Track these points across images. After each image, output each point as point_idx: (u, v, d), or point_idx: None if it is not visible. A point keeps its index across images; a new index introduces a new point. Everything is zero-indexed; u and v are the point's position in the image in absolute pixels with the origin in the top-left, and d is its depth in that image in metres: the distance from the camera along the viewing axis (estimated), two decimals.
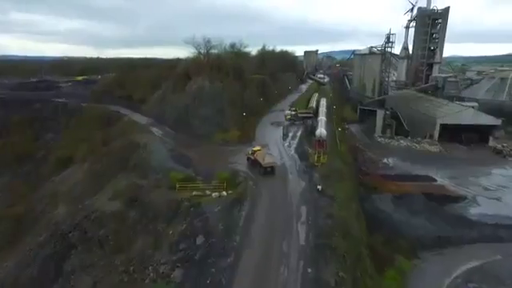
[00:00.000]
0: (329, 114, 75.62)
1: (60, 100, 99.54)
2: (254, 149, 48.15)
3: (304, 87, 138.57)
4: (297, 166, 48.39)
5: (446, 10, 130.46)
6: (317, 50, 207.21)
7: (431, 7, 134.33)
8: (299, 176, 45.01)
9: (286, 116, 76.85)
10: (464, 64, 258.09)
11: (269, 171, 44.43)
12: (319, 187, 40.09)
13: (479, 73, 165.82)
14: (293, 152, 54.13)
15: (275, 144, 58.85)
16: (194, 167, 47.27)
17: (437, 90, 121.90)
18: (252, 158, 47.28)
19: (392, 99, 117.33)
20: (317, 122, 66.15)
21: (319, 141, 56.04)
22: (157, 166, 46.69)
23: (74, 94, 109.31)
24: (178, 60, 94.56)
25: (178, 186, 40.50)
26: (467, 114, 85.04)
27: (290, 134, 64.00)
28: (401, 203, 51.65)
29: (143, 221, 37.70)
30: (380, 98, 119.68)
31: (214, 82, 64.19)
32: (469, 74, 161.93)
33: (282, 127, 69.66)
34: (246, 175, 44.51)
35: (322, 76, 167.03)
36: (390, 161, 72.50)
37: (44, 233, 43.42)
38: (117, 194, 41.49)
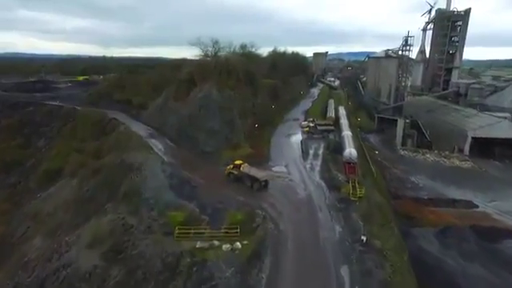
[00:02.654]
0: (352, 126, 64.60)
1: (54, 103, 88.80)
2: (236, 162, 41.66)
3: (315, 91, 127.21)
4: (326, 199, 37.58)
5: (467, 11, 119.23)
6: (326, 52, 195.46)
7: (451, 8, 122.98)
8: (332, 215, 34.26)
9: (303, 128, 66.04)
10: (472, 68, 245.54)
11: (263, 185, 39.26)
12: (364, 238, 29.31)
13: (495, 78, 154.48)
14: (318, 178, 43.27)
15: (295, 164, 48.03)
16: (198, 199, 36.55)
17: (458, 97, 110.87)
18: (235, 172, 40.93)
19: (411, 106, 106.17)
20: (341, 138, 55.36)
21: (349, 163, 45.31)
22: (151, 197, 36.00)
23: (72, 96, 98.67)
24: (184, 60, 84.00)
25: (177, 231, 29.80)
26: (502, 127, 74.24)
27: (311, 152, 53.13)
28: (448, 242, 41.00)
29: (130, 283, 27.04)
30: (397, 104, 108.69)
31: (222, 89, 53.31)
32: (483, 80, 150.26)
33: (299, 141, 58.96)
34: (265, 214, 33.67)
35: (332, 79, 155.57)
36: (419, 179, 61.68)
37: (6, 283, 33.19)
38: (98, 240, 30.90)
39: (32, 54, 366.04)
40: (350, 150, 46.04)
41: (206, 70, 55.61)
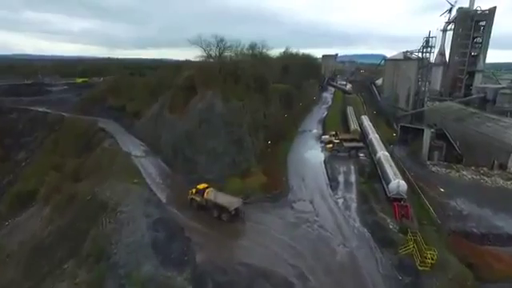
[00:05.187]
0: (384, 143, 51.56)
1: (40, 109, 76.57)
2: (200, 186, 33.36)
3: (328, 96, 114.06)
4: (379, 265, 24.90)
5: (492, 10, 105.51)
6: (336, 54, 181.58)
7: (474, 7, 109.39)
8: None
9: (324, 143, 53.26)
10: (482, 70, 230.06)
11: (233, 215, 30.79)
12: None
13: None
14: (358, 222, 30.62)
15: (322, 199, 35.40)
16: (192, 265, 23.94)
17: (485, 104, 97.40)
18: (198, 199, 32.52)
19: (433, 113, 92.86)
20: (377, 161, 42.52)
21: (397, 200, 32.67)
22: (124, 264, 23.66)
23: (63, 101, 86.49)
24: (186, 62, 71.44)
25: None
26: None
27: (340, 179, 40.36)
28: None
29: None
30: (417, 110, 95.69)
31: (228, 99, 40.70)
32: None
33: (322, 162, 46.28)
34: None
35: (343, 83, 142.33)
36: (461, 204, 48.24)
37: None
38: None
39: (38, 56, 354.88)
40: (398, 183, 33.38)
41: (208, 74, 42.88)
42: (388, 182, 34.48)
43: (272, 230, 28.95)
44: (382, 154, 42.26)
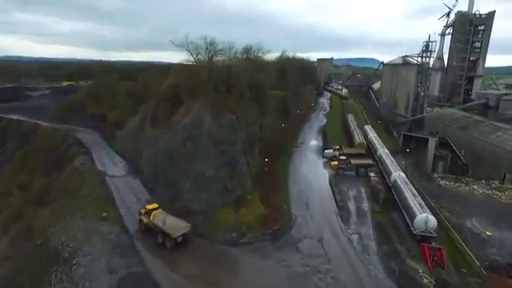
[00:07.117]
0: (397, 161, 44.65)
1: (14, 117, 68.21)
2: (149, 206, 29.48)
3: (325, 102, 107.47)
4: None
5: (491, 14, 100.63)
6: (331, 58, 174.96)
7: (473, 11, 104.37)
8: None
9: (328, 159, 46.41)
10: None
11: (179, 242, 26.26)
12: None
13: (508, 86, 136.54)
14: (381, 271, 23.77)
15: (333, 236, 28.57)
16: None
17: (487, 110, 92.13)
18: (146, 221, 28.26)
19: (436, 120, 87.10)
20: (393, 184, 35.72)
21: (424, 238, 26.10)
22: None
23: (41, 108, 77.76)
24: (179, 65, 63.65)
25: None
26: None
27: (351, 206, 33.57)
28: None
29: None
30: (417, 117, 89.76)
31: (219, 112, 33.61)
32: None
33: (327, 182, 39.42)
34: None
35: (339, 87, 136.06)
36: (477, 225, 41.88)
37: None
38: None
39: (28, 58, 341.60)
40: (427, 218, 26.72)
41: (195, 82, 35.71)
42: (412, 216, 27.76)
43: (274, 286, 21.96)
44: (398, 175, 35.59)
